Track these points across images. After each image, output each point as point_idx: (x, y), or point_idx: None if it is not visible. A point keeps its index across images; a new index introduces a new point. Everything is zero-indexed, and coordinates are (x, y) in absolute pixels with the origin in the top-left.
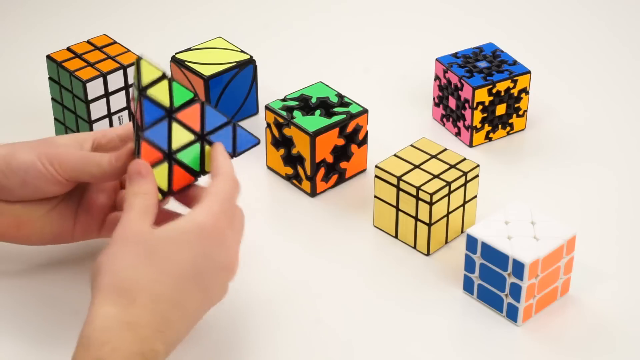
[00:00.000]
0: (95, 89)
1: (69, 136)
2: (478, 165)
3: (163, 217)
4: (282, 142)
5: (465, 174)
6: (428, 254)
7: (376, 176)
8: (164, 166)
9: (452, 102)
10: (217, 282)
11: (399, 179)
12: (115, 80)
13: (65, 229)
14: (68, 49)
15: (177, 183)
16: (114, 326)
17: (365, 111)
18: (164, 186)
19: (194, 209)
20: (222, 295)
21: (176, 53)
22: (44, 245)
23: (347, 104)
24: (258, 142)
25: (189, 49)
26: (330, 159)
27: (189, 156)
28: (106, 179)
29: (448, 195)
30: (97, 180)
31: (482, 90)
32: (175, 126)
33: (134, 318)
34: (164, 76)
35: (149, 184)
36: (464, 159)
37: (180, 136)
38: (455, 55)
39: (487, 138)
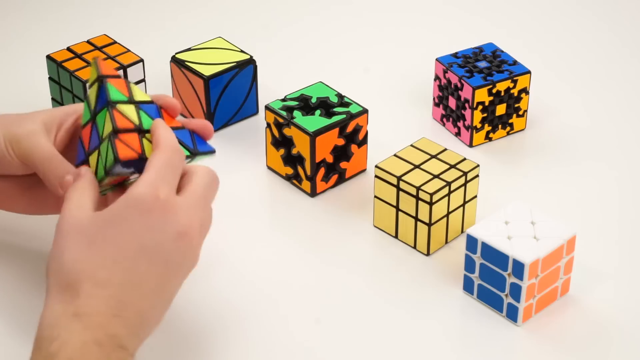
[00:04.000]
0: None
1: (51, 112)
2: (478, 165)
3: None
4: (282, 142)
5: (465, 174)
6: (428, 254)
7: (376, 176)
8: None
9: (452, 102)
10: (175, 251)
11: (399, 179)
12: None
13: (51, 203)
14: (68, 49)
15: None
16: (60, 321)
17: (365, 111)
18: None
19: (131, 185)
20: (189, 263)
21: (176, 53)
22: (28, 214)
23: (347, 104)
24: (214, 152)
25: (189, 49)
26: (330, 159)
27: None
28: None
29: (448, 195)
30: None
31: (482, 90)
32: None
33: (81, 308)
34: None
35: (85, 180)
36: (464, 159)
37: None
38: (455, 55)
39: (487, 138)
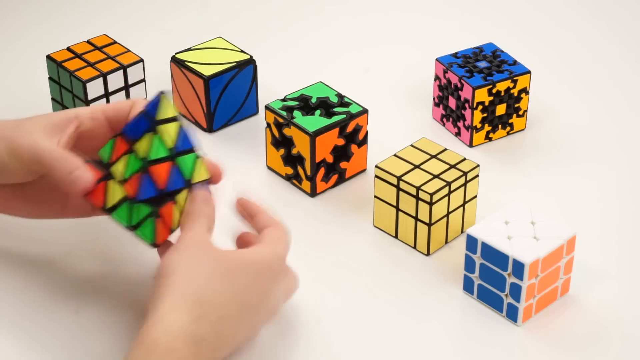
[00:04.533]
0: (95, 89)
1: (48, 118)
2: (478, 165)
3: None
4: (282, 142)
5: (465, 174)
6: (428, 254)
7: (376, 176)
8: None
9: (452, 102)
10: (261, 323)
11: (399, 179)
12: (115, 80)
13: (55, 209)
14: (68, 49)
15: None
16: (183, 336)
17: (365, 111)
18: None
19: (261, 246)
20: (252, 336)
21: (176, 53)
22: (35, 219)
23: (347, 104)
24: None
25: (189, 49)
26: (330, 159)
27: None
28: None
29: (448, 195)
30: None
31: (482, 90)
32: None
33: (202, 332)
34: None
35: (212, 209)
36: (464, 159)
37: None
38: (455, 55)
39: (487, 138)
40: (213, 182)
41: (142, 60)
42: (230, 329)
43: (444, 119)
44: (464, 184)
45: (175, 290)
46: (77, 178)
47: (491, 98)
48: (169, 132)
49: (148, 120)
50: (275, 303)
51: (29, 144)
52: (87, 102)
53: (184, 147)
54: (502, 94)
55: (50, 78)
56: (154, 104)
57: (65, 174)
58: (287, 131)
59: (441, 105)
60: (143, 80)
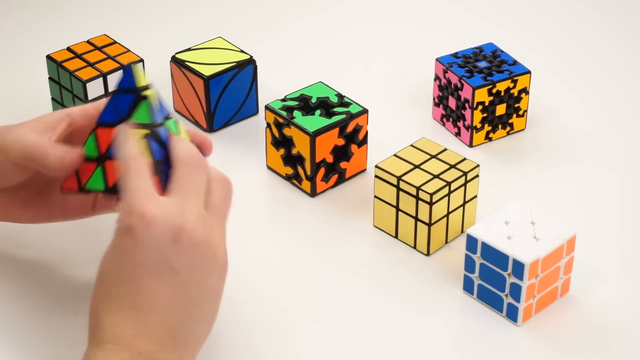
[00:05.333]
0: (95, 89)
1: (40, 119)
2: (478, 165)
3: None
4: (282, 142)
5: (465, 174)
6: (428, 254)
7: (376, 176)
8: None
9: (452, 102)
10: (212, 279)
11: (399, 179)
12: (115, 80)
13: (56, 212)
14: (68, 49)
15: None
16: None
17: (365, 111)
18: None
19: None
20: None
21: (176, 53)
22: (36, 223)
23: (347, 104)
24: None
25: (189, 49)
26: (330, 159)
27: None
28: (56, 172)
29: (448, 195)
30: (40, 169)
31: (482, 90)
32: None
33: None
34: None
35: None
36: (464, 159)
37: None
38: (455, 55)
39: (487, 138)
40: (204, 154)
41: (142, 60)
42: (142, 308)
43: (444, 119)
44: (464, 184)
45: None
46: (67, 158)
47: (491, 98)
48: (153, 97)
49: (131, 94)
50: (215, 274)
51: (17, 139)
52: (87, 102)
53: (165, 112)
54: (502, 94)
55: (50, 78)
56: (128, 78)
57: (58, 161)
58: (287, 131)
59: (441, 105)
60: None
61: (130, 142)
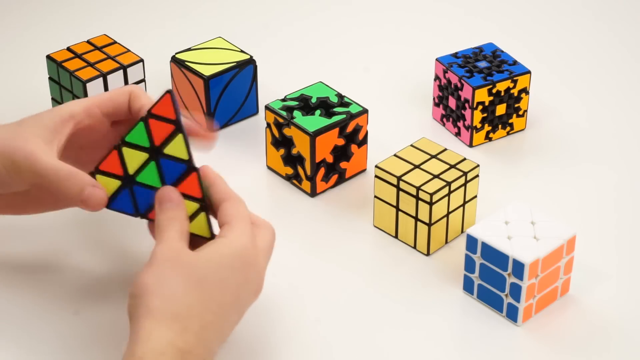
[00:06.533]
0: (95, 89)
1: (41, 120)
2: (478, 165)
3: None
4: (282, 142)
5: (465, 174)
6: (428, 254)
7: (376, 176)
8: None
9: (452, 102)
10: (248, 305)
11: (399, 179)
12: (115, 80)
13: (62, 204)
14: (68, 49)
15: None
16: (169, 352)
17: (365, 111)
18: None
19: (227, 232)
20: (237, 322)
21: (176, 53)
22: (28, 212)
23: (347, 104)
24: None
25: (189, 49)
26: (330, 159)
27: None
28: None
29: (448, 195)
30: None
31: (482, 90)
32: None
33: (187, 346)
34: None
35: (182, 210)
36: (464, 159)
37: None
38: (455, 55)
39: (487, 138)
40: (207, 141)
41: (142, 60)
42: (214, 333)
43: (444, 119)
44: (464, 184)
45: (153, 310)
46: (90, 196)
47: (491, 98)
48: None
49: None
50: (258, 281)
51: (29, 161)
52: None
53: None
54: (502, 94)
55: (50, 78)
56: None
57: (76, 194)
58: (287, 131)
59: (441, 105)
60: (143, 80)
61: (222, 184)
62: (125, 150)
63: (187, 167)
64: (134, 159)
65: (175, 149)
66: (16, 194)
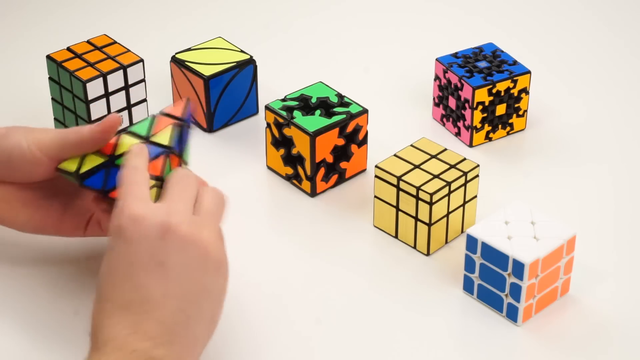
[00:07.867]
0: (95, 89)
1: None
2: (478, 165)
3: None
4: (282, 142)
5: (465, 174)
6: (428, 254)
7: (376, 176)
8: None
9: (452, 102)
10: (218, 289)
11: (399, 179)
12: (115, 80)
13: (51, 222)
14: (68, 49)
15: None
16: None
17: (365, 111)
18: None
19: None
20: (214, 324)
21: (176, 53)
22: (27, 232)
23: (347, 104)
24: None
25: (189, 49)
26: (330, 159)
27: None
28: (85, 148)
29: (448, 195)
30: (77, 151)
31: (482, 90)
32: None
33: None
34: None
35: (142, 172)
36: (464, 159)
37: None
38: (455, 55)
39: (487, 138)
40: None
41: (142, 60)
42: (140, 305)
43: (444, 119)
44: (464, 184)
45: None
46: (104, 121)
47: (491, 98)
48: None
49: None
50: (211, 264)
51: (44, 130)
52: (87, 102)
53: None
54: (502, 94)
55: (50, 78)
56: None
57: (90, 127)
58: (287, 131)
59: (441, 105)
60: (143, 80)
61: (139, 156)
62: (124, 137)
63: (162, 152)
64: (126, 144)
65: (162, 137)
66: (25, 192)
